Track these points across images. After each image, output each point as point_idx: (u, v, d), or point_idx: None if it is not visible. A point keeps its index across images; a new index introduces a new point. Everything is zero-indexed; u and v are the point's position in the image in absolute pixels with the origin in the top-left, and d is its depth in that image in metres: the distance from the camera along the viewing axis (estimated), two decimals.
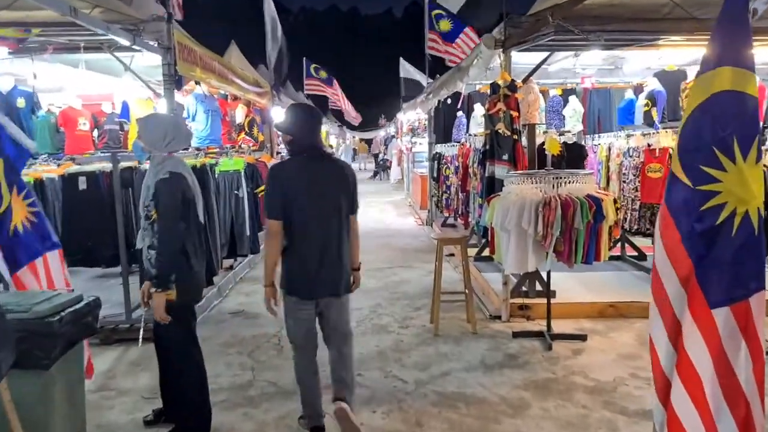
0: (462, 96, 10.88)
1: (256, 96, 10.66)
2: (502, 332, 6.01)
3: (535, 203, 5.14)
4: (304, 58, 19.31)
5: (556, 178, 5.33)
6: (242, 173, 8.12)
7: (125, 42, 5.34)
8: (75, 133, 9.60)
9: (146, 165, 6.28)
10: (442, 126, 12.22)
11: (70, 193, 6.27)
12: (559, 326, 5.94)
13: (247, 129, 11.35)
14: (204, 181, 6.70)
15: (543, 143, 6.49)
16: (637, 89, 11.35)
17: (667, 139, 6.40)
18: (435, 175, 11.25)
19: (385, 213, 16.43)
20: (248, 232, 8.18)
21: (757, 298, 2.29)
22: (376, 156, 35.46)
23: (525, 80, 6.33)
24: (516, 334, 5.83)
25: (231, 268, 8.46)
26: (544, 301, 6.09)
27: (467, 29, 11.73)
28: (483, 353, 5.47)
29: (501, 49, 6.20)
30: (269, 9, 12.28)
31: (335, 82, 19.78)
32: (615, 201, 5.32)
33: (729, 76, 2.21)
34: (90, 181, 6.21)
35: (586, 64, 10.29)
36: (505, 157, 5.96)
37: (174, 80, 6.14)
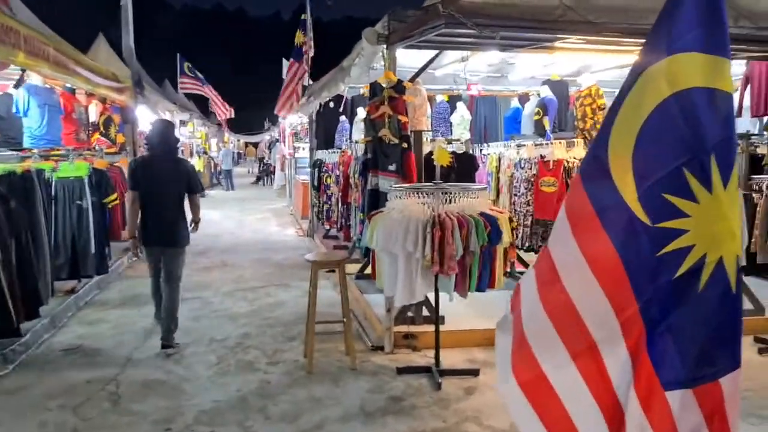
0: (345, 99, 10.13)
1: (112, 91, 9.38)
2: (386, 367, 5.27)
3: (422, 222, 4.44)
4: (178, 55, 17.93)
5: (446, 193, 4.66)
6: (85, 180, 6.90)
7: None
8: None
9: None
10: (323, 131, 11.42)
11: None
12: (448, 358, 5.29)
13: (102, 129, 10.00)
14: (26, 190, 5.49)
15: (430, 153, 5.84)
16: (523, 98, 11.14)
17: (561, 150, 5.94)
18: (316, 183, 10.43)
19: (266, 222, 15.38)
20: (94, 249, 6.96)
21: (730, 380, 1.64)
22: (261, 160, 34.13)
23: (412, 80, 5.65)
24: (401, 370, 5.11)
25: (72, 291, 7.18)
26: (432, 328, 5.44)
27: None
28: (363, 396, 4.69)
29: (384, 46, 5.48)
30: None
31: (208, 85, 18.65)
32: (510, 219, 4.72)
33: (698, 67, 1.55)
34: None
35: (474, 71, 9.88)
36: (392, 167, 5.24)
37: None
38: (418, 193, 4.71)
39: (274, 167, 26.76)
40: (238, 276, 8.90)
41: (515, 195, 6.61)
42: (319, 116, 11.55)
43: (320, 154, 10.75)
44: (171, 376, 5.12)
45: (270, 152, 30.59)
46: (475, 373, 5.05)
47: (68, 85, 8.47)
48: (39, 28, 6.66)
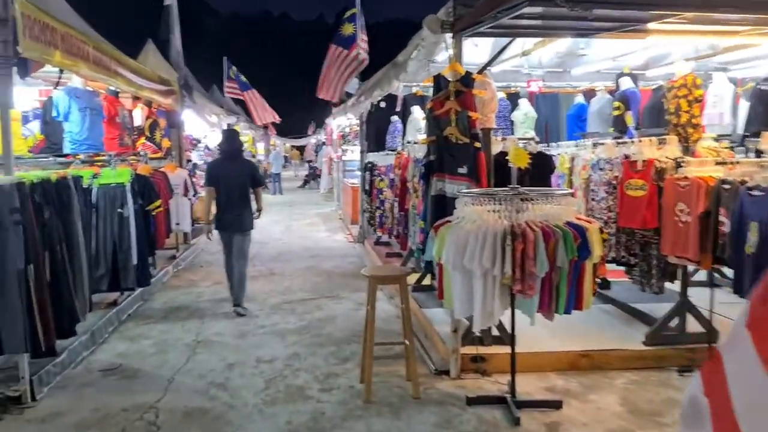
0: (399, 97, 9.55)
1: (158, 94, 9.03)
2: (453, 396, 4.66)
3: (500, 233, 3.82)
4: (224, 59, 17.66)
5: (525, 199, 4.03)
6: (127, 187, 6.50)
7: None
8: None
9: None
10: (374, 132, 10.86)
11: None
12: (523, 385, 4.65)
13: (147, 133, 9.68)
14: (62, 199, 5.08)
15: (500, 153, 5.21)
16: (588, 94, 10.39)
17: (650, 149, 5.22)
18: (367, 187, 9.88)
19: (314, 227, 14.93)
20: (135, 260, 6.55)
21: None
22: (307, 163, 33.91)
23: (480, 72, 5.03)
24: (471, 401, 4.49)
25: (114, 303, 6.79)
26: (503, 350, 4.84)
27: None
28: None
29: (449, 34, 4.88)
30: None
31: (250, 89, 18.36)
32: (601, 230, 4.06)
33: None
34: None
35: (534, 66, 9.20)
36: (462, 170, 4.62)
37: (12, 63, 4.53)
38: (493, 200, 4.08)
39: (321, 170, 26.43)
40: (286, 287, 8.41)
41: (593, 200, 5.91)
42: (369, 117, 11.01)
43: (371, 157, 10.20)
44: (215, 403, 4.62)
45: (317, 155, 30.30)
46: (557, 405, 4.40)
47: (112, 88, 8.13)
48: (78, 25, 6.29)
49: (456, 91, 4.74)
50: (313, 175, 30.26)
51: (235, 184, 6.99)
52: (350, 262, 10.18)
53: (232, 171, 7.03)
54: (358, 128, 14.14)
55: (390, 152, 8.90)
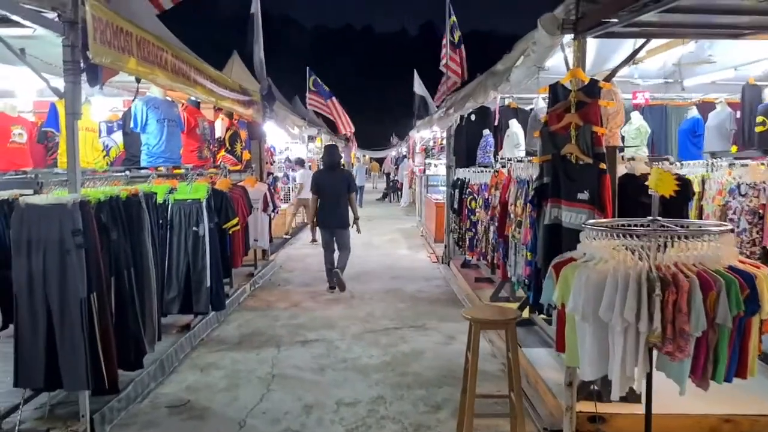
0: (496, 110, 8.81)
1: (239, 105, 8.64)
2: None
3: (645, 279, 3.04)
4: (307, 69, 17.41)
5: (672, 237, 3.22)
6: (203, 204, 6.07)
7: None
8: (7, 145, 7.62)
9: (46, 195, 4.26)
10: (464, 147, 10.14)
11: None
12: None
13: (228, 145, 9.34)
14: (131, 218, 4.65)
15: (629, 176, 4.40)
16: (704, 106, 9.35)
17: None
18: (456, 206, 9.16)
19: (395, 244, 14.32)
20: (209, 282, 6.10)
21: None
22: (387, 176, 33.49)
23: (609, 79, 4.25)
24: None
25: (187, 327, 6.37)
26: (627, 409, 4.04)
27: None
28: None
29: (570, 35, 4.14)
30: (255, 5, 10.32)
31: (333, 97, 18.09)
32: None
33: None
34: None
35: (648, 75, 8.28)
36: (583, 195, 3.87)
37: (81, 70, 4.12)
38: (630, 235, 3.29)
39: (402, 184, 25.89)
40: (368, 313, 7.79)
41: (731, 231, 4.99)
42: (458, 130, 10.30)
43: (461, 173, 9.48)
44: None
45: (396, 168, 29.81)
46: None
47: (192, 98, 7.80)
48: (157, 30, 5.92)
49: (577, 102, 3.99)
50: (393, 188, 29.79)
51: (334, 190, 8.79)
52: (435, 286, 9.48)
53: (332, 179, 8.88)
54: (444, 142, 13.48)
55: (482, 169, 8.15)
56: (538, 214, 4.37)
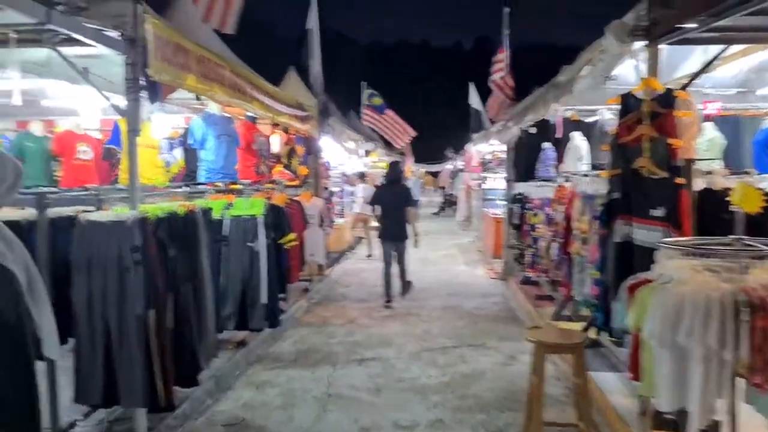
0: (558, 122, 8.54)
1: (296, 120, 8.68)
2: None
3: (730, 303, 2.80)
4: (362, 83, 17.46)
5: (760, 256, 2.96)
6: (260, 220, 6.04)
7: (29, 19, 3.33)
8: (72, 162, 7.83)
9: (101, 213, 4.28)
10: (524, 160, 9.88)
11: None
12: None
13: (285, 160, 9.37)
14: (189, 234, 4.63)
15: (707, 191, 4.11)
16: None
17: None
18: (516, 221, 8.92)
19: (452, 259, 14.10)
20: (265, 299, 6.05)
21: None
22: (443, 190, 33.25)
23: (685, 88, 4.00)
24: None
25: (243, 343, 6.34)
26: None
27: None
28: None
29: (643, 42, 3.93)
30: (313, 20, 10.37)
31: (388, 109, 18.09)
32: None
33: None
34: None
35: (718, 84, 7.88)
36: (658, 212, 3.63)
37: (141, 88, 4.13)
38: (706, 254, 3.05)
39: (457, 198, 25.62)
40: (425, 330, 7.62)
41: None
42: (518, 144, 10.06)
43: (521, 187, 9.23)
44: None
45: (452, 182, 29.55)
46: None
47: (250, 114, 7.85)
48: (215, 46, 5.97)
49: (651, 113, 3.76)
50: (449, 202, 29.52)
51: (395, 204, 9.01)
52: (494, 303, 9.23)
53: (393, 193, 9.15)
54: (502, 155, 13.23)
55: (544, 183, 7.90)
56: (606, 232, 4.14)
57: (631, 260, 3.82)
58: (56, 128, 8.17)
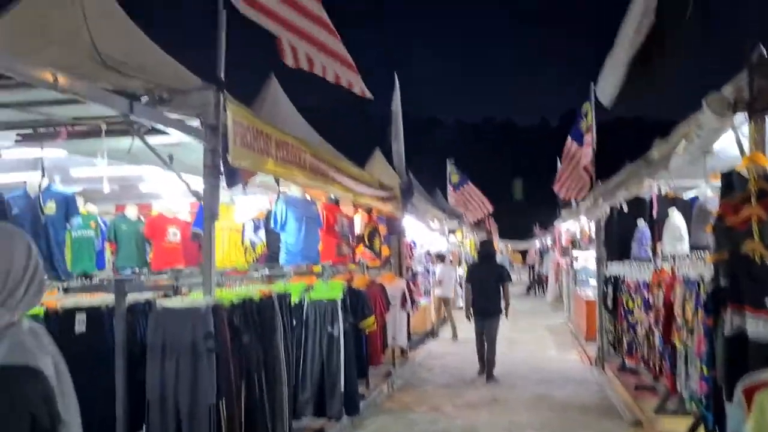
0: (654, 199, 8.11)
1: (378, 201, 8.66)
2: None
3: None
4: (448, 160, 17.49)
5: None
6: (338, 303, 5.92)
7: (114, 111, 3.43)
8: (162, 244, 8.09)
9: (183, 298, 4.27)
10: (617, 239, 9.38)
11: (64, 338, 4.29)
12: None
13: (366, 241, 9.32)
14: (264, 320, 4.54)
15: None
16: None
17: None
18: (610, 304, 8.38)
19: (541, 342, 13.42)
20: (343, 385, 5.84)
21: None
22: (531, 268, 32.31)
23: None
24: None
25: (321, 431, 6.10)
26: None
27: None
28: None
29: (743, 114, 3.61)
30: (396, 102, 10.54)
31: (468, 183, 18.04)
32: None
33: None
34: (91, 321, 4.23)
35: None
36: None
37: (220, 173, 4.18)
38: None
39: (546, 276, 24.79)
40: (511, 422, 7.12)
41: None
42: (608, 221, 9.60)
43: (614, 268, 8.72)
44: None
45: (542, 260, 28.70)
46: None
47: (332, 197, 7.89)
48: (297, 128, 6.06)
49: (759, 192, 3.40)
50: (538, 281, 28.58)
51: (487, 282, 9.42)
52: (588, 391, 8.59)
53: (486, 271, 9.67)
54: (592, 233, 12.68)
55: (639, 263, 7.40)
56: (715, 323, 3.71)
57: (745, 356, 3.37)
58: (152, 212, 8.52)
